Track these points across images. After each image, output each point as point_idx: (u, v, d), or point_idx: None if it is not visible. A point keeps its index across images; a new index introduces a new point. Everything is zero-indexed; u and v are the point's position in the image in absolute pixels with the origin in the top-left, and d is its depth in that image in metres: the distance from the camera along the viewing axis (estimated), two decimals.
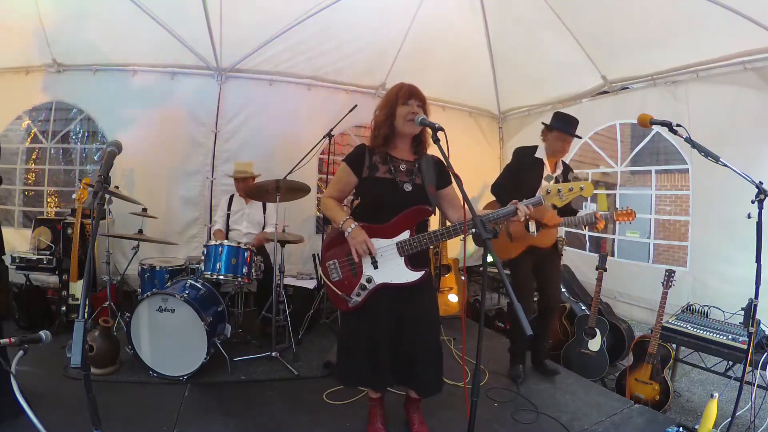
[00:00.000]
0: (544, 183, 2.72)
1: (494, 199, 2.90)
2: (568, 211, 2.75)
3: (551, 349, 3.29)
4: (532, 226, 2.63)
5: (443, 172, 1.98)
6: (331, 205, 1.98)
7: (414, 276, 1.87)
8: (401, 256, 1.86)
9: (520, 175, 2.78)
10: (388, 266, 1.87)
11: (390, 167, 1.93)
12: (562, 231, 3.20)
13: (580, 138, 2.97)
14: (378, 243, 1.87)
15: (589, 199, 2.71)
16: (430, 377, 1.95)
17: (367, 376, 1.96)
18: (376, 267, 1.88)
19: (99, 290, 3.52)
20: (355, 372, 1.98)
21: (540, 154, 2.80)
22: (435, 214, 2.04)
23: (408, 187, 1.92)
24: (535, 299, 2.99)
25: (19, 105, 4.15)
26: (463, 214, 1.90)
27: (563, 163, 2.88)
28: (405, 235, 1.87)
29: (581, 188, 1.74)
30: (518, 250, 2.79)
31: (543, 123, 2.88)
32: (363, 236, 1.83)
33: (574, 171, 2.95)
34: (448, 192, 2.02)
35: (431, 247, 2.03)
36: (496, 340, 3.69)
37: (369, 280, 1.88)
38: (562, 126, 2.74)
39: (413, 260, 1.88)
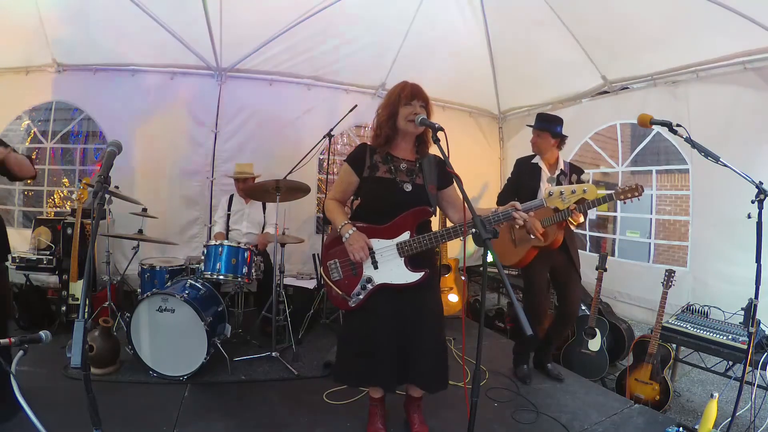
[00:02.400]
0: (547, 185, 2.73)
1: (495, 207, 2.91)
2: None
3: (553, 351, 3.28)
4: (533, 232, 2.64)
5: (444, 173, 1.98)
6: (332, 208, 1.98)
7: (414, 277, 1.86)
8: (401, 257, 1.86)
9: (519, 183, 2.87)
10: (388, 267, 1.87)
11: (390, 167, 1.93)
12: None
13: (554, 132, 2.80)
14: (378, 244, 1.87)
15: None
16: (434, 372, 1.94)
17: (366, 375, 1.95)
18: (376, 267, 1.88)
19: (99, 290, 3.52)
20: (354, 371, 1.98)
21: (536, 159, 2.86)
22: (435, 215, 2.04)
23: (408, 187, 1.91)
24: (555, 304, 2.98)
25: (19, 105, 4.15)
26: (463, 214, 1.91)
27: (567, 163, 2.87)
28: (405, 236, 1.86)
29: (584, 191, 1.72)
30: (524, 255, 2.75)
31: (528, 125, 2.96)
32: (360, 242, 1.83)
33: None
34: (449, 192, 2.02)
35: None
36: (496, 340, 3.70)
37: (369, 281, 1.88)
38: (535, 124, 2.85)
39: (414, 261, 1.88)
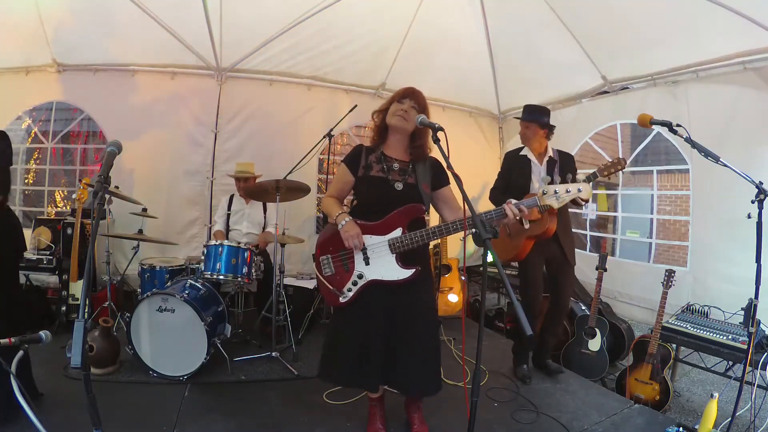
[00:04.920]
0: (539, 183, 2.73)
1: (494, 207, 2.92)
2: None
3: (552, 349, 3.28)
4: (525, 223, 2.64)
5: (439, 173, 1.99)
6: (328, 202, 2.01)
7: (405, 274, 1.87)
8: (393, 254, 1.87)
9: (509, 176, 2.91)
10: (380, 263, 1.88)
11: (383, 166, 1.96)
12: None
13: (542, 123, 2.83)
14: (370, 240, 1.88)
15: (590, 199, 2.63)
16: (422, 377, 1.92)
17: (353, 375, 1.92)
18: (367, 263, 1.89)
19: (99, 290, 3.52)
20: (338, 371, 1.97)
21: (524, 151, 2.89)
22: (428, 215, 2.05)
23: (399, 186, 1.93)
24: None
25: (19, 105, 4.15)
26: (460, 214, 1.91)
27: (559, 152, 2.88)
28: (397, 232, 1.87)
29: (579, 190, 1.72)
30: (521, 247, 2.74)
31: (515, 117, 2.99)
32: (356, 229, 1.85)
33: (578, 172, 2.90)
34: (444, 192, 2.03)
35: (429, 245, 2.02)
36: (496, 340, 3.70)
37: (360, 276, 1.89)
38: (522, 115, 2.88)
39: (405, 258, 1.88)
